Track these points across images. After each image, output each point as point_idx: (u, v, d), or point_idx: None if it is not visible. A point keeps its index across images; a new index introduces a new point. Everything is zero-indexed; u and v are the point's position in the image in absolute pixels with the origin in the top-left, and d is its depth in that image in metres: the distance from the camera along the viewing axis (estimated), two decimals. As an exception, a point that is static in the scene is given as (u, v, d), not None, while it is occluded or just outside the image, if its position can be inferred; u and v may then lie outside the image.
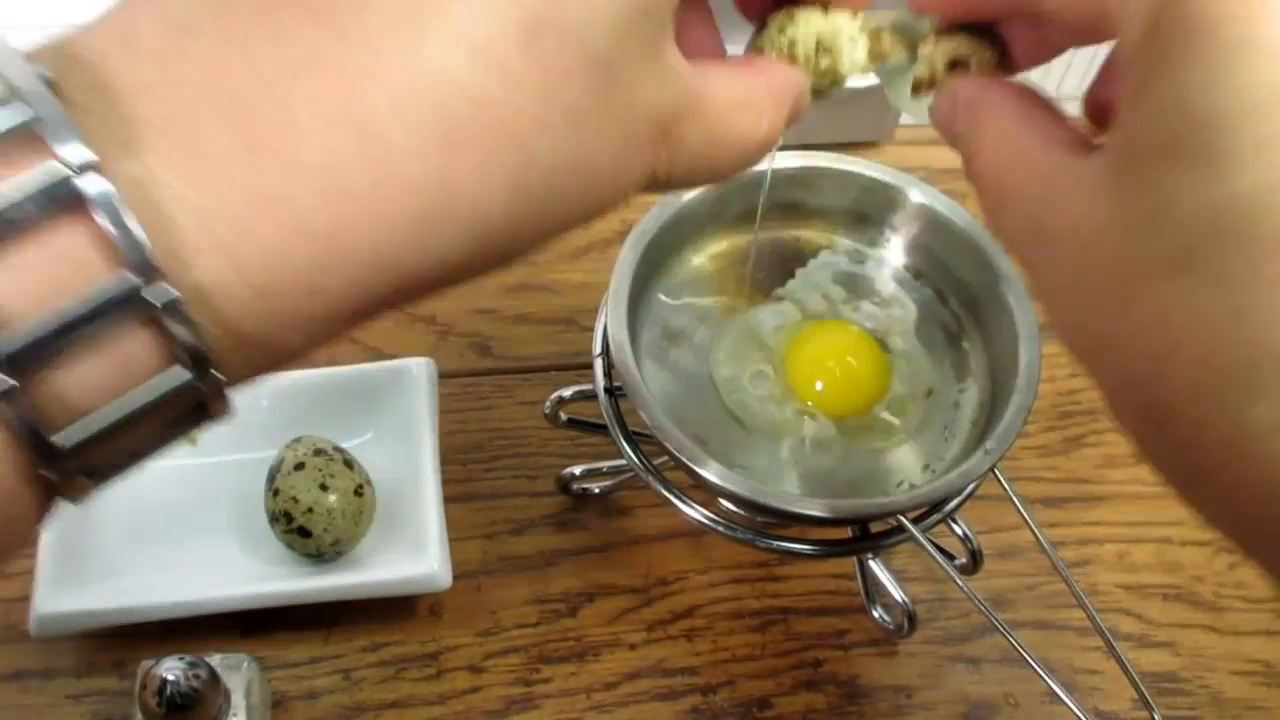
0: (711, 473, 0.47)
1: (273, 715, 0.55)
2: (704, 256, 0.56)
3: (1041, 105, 0.32)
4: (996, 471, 0.50)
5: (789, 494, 0.50)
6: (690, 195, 0.54)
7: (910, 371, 0.54)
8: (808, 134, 0.72)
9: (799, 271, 0.56)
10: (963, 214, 0.55)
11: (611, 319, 0.50)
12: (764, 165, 0.54)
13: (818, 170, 0.56)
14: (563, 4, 0.25)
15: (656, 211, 0.53)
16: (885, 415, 0.53)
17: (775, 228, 0.57)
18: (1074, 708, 0.48)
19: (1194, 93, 0.24)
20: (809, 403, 0.53)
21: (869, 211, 0.56)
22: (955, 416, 0.53)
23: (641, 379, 0.49)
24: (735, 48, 0.36)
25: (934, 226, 0.55)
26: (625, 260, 0.52)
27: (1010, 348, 0.51)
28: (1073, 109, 0.34)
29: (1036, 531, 0.51)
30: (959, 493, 0.50)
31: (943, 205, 0.55)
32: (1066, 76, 0.74)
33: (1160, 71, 0.25)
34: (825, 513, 0.48)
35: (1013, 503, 0.52)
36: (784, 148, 0.57)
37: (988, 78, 0.34)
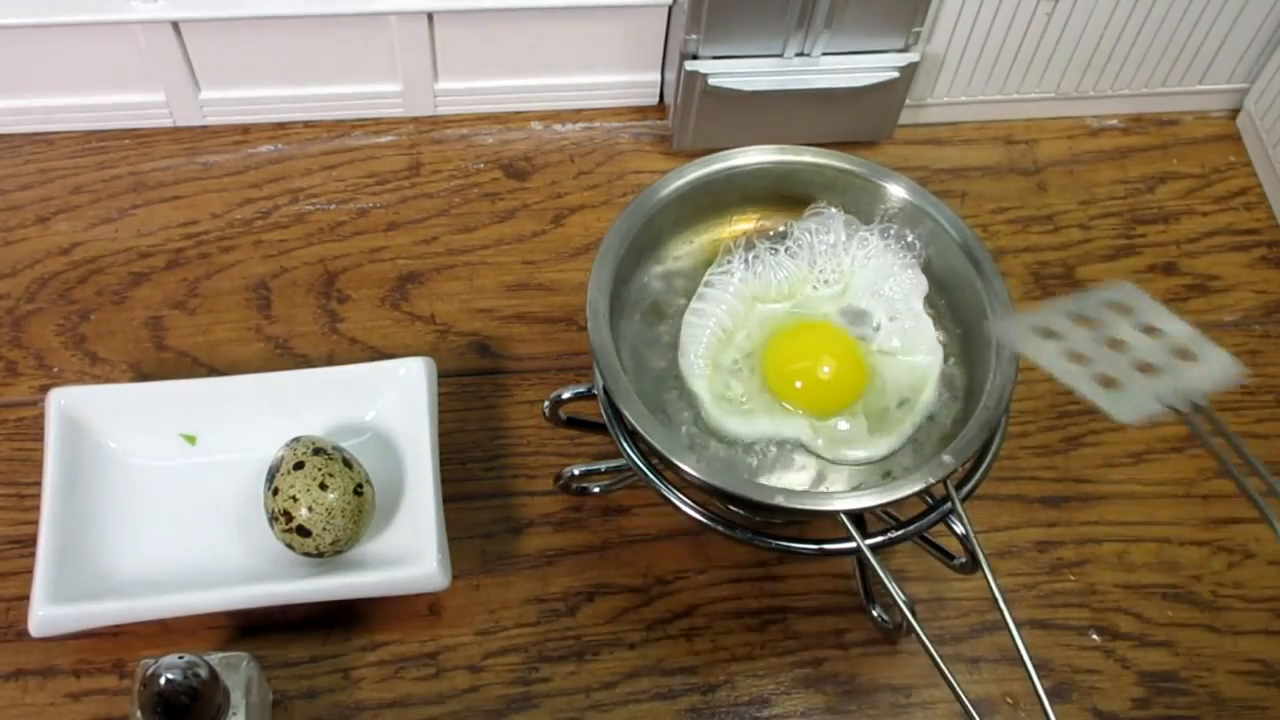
0: (690, 466, 0.47)
1: (272, 714, 0.55)
2: (691, 245, 0.56)
3: None
4: (948, 486, 0.49)
5: (747, 482, 0.50)
6: (672, 186, 0.54)
7: (885, 379, 0.54)
8: (810, 133, 0.72)
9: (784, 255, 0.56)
10: (947, 213, 0.54)
11: (590, 315, 0.50)
12: (754, 158, 0.55)
13: (806, 165, 0.56)
14: None
15: (642, 196, 0.54)
16: (858, 419, 0.53)
17: (761, 219, 0.57)
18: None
19: None
20: (785, 401, 0.53)
21: (854, 207, 0.56)
22: (928, 429, 0.53)
23: (624, 374, 0.49)
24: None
25: (921, 224, 0.55)
26: (608, 245, 0.52)
27: (987, 364, 0.51)
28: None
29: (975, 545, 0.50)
30: (903, 500, 0.49)
31: (931, 205, 0.54)
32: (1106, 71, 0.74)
33: None
34: (759, 498, 0.47)
35: (1017, 501, 0.52)
36: (785, 147, 0.57)
37: None
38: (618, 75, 0.74)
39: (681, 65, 0.67)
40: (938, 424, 0.53)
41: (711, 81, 0.67)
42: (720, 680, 0.58)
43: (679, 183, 0.54)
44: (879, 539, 0.51)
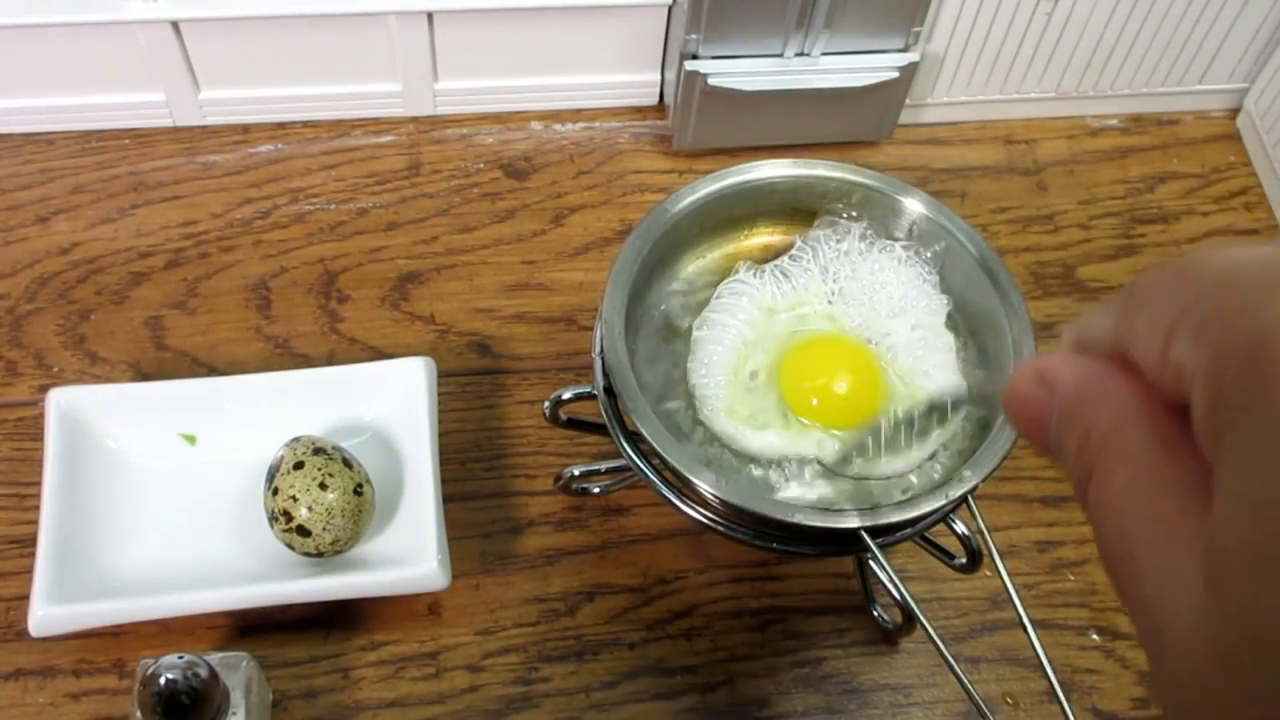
0: (708, 484, 0.47)
1: (272, 714, 0.55)
2: (704, 260, 0.56)
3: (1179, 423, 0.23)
4: (971, 500, 0.49)
5: (765, 500, 0.50)
6: (689, 199, 0.54)
7: (905, 393, 0.54)
8: (810, 133, 0.72)
9: (794, 269, 0.56)
10: (964, 227, 0.54)
11: (606, 333, 0.50)
12: (766, 172, 0.55)
13: (819, 178, 0.55)
14: None
15: (655, 214, 0.53)
16: (877, 434, 0.53)
17: (774, 233, 0.57)
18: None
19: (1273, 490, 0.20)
20: (801, 416, 0.53)
21: (869, 219, 0.56)
22: (948, 440, 0.53)
23: (638, 386, 0.49)
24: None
25: (938, 239, 0.55)
26: (623, 263, 0.52)
27: (1005, 378, 0.51)
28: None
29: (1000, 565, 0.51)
30: (923, 519, 0.49)
31: (946, 218, 0.54)
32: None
33: (1235, 467, 0.21)
34: (777, 516, 0.47)
35: (1017, 501, 0.52)
36: (788, 146, 0.57)
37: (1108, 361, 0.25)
38: (618, 75, 0.74)
39: (681, 65, 0.67)
40: (956, 436, 0.52)
41: (711, 81, 0.67)
42: (720, 680, 0.58)
43: (691, 198, 0.54)
44: (879, 539, 0.51)
